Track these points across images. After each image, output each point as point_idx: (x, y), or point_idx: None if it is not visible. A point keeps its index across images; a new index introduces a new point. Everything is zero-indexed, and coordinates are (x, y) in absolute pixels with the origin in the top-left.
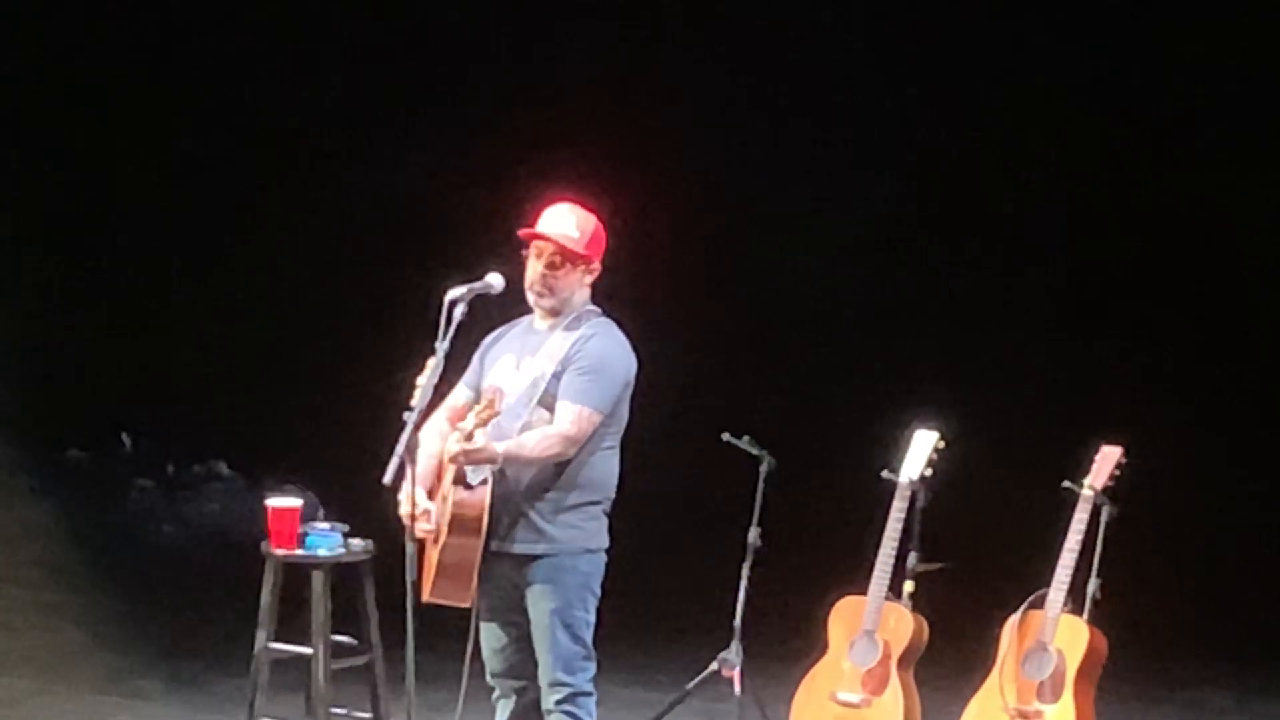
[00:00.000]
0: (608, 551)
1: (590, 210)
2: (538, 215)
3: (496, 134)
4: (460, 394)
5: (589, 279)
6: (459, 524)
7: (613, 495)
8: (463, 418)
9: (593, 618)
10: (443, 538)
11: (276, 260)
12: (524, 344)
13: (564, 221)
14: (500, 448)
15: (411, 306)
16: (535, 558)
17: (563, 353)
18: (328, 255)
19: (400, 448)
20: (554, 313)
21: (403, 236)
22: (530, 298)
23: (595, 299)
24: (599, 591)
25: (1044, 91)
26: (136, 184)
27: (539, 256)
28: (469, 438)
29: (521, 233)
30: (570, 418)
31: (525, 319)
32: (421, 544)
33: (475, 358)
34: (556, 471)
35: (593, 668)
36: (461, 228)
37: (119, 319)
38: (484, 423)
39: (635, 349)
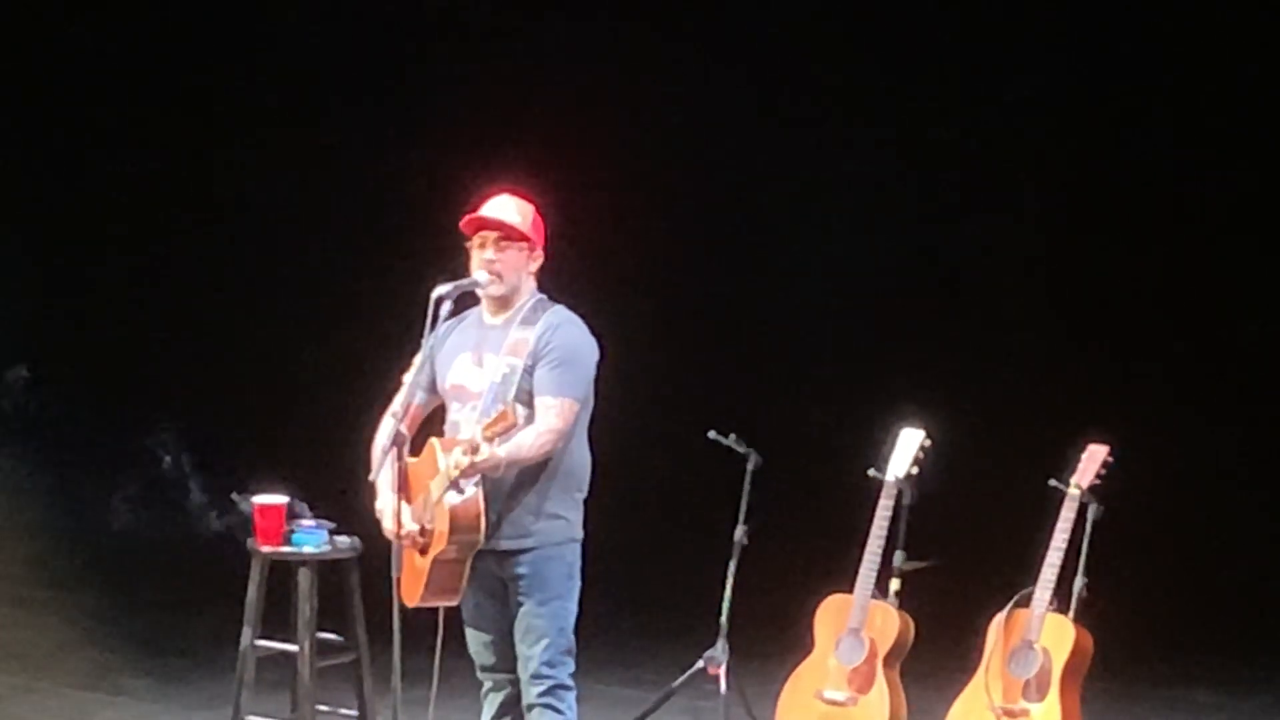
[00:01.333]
0: (589, 545)
1: (529, 199)
2: (478, 206)
3: (471, 129)
4: (413, 394)
5: (534, 266)
6: (457, 529)
7: (589, 482)
8: (416, 419)
9: (576, 608)
10: (441, 544)
11: (254, 256)
12: (480, 339)
13: (504, 207)
14: (503, 454)
15: (397, 302)
16: (522, 550)
17: (530, 346)
18: (308, 251)
19: (385, 443)
20: (504, 302)
21: (385, 233)
22: (480, 291)
23: (581, 292)
24: (580, 581)
25: (1035, 88)
26: (123, 180)
27: (483, 246)
28: (475, 450)
29: (464, 221)
30: (556, 411)
31: (471, 314)
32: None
33: (421, 358)
34: (540, 466)
35: (572, 662)
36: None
37: (104, 317)
38: (495, 437)
39: (596, 334)
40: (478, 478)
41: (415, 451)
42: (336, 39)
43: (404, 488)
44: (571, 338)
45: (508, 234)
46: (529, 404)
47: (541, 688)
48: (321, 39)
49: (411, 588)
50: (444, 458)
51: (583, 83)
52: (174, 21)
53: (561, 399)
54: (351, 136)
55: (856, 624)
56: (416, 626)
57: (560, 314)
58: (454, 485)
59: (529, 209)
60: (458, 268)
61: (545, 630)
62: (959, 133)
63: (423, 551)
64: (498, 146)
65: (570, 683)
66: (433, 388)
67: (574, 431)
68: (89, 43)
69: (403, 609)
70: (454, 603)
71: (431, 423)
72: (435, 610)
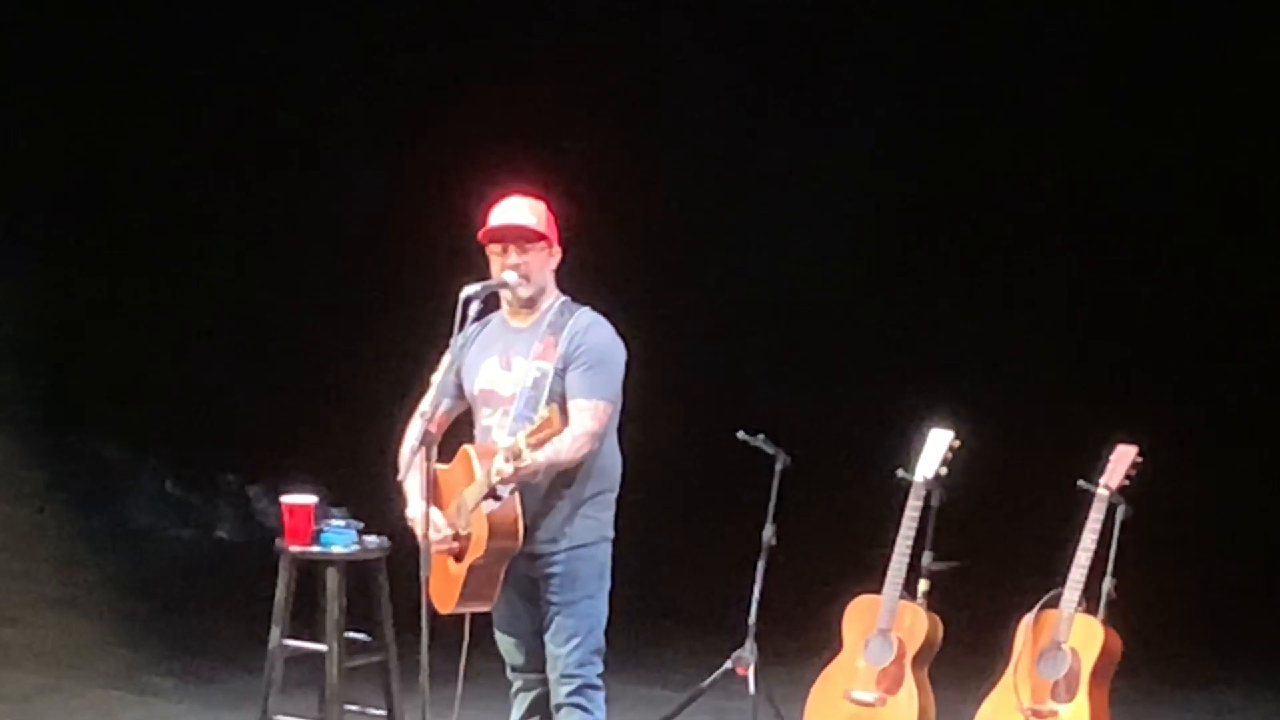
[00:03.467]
0: (618, 545)
1: (537, 197)
2: (488, 213)
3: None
4: (441, 397)
5: (554, 263)
6: (496, 534)
7: (619, 481)
8: (443, 423)
9: (606, 608)
10: (479, 550)
11: (285, 257)
12: (507, 343)
13: (517, 210)
14: (543, 459)
15: (423, 302)
16: (554, 551)
17: (560, 350)
18: (339, 251)
19: (414, 445)
20: (530, 304)
21: (413, 233)
22: (504, 294)
23: (602, 293)
24: (610, 581)
25: (1056, 85)
26: (145, 181)
27: (505, 252)
28: (518, 456)
29: (481, 234)
30: (591, 414)
31: (493, 319)
32: (435, 558)
33: (447, 364)
34: (573, 467)
35: (601, 662)
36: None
37: (130, 317)
38: (540, 444)
39: (622, 335)
40: (514, 484)
41: (444, 457)
42: (350, 39)
43: (435, 492)
44: (601, 339)
45: (528, 237)
46: (562, 407)
47: (570, 687)
48: (335, 39)
49: (445, 595)
50: (481, 466)
51: (602, 82)
52: (179, 26)
53: (595, 401)
54: (371, 135)
55: (885, 624)
56: (444, 626)
57: (588, 315)
58: (491, 492)
59: (540, 207)
60: (482, 266)
61: (575, 630)
62: (987, 132)
63: (457, 558)
64: (516, 146)
65: (599, 682)
66: (460, 393)
67: (607, 433)
68: (89, 50)
69: (431, 608)
70: (488, 609)
71: (459, 426)
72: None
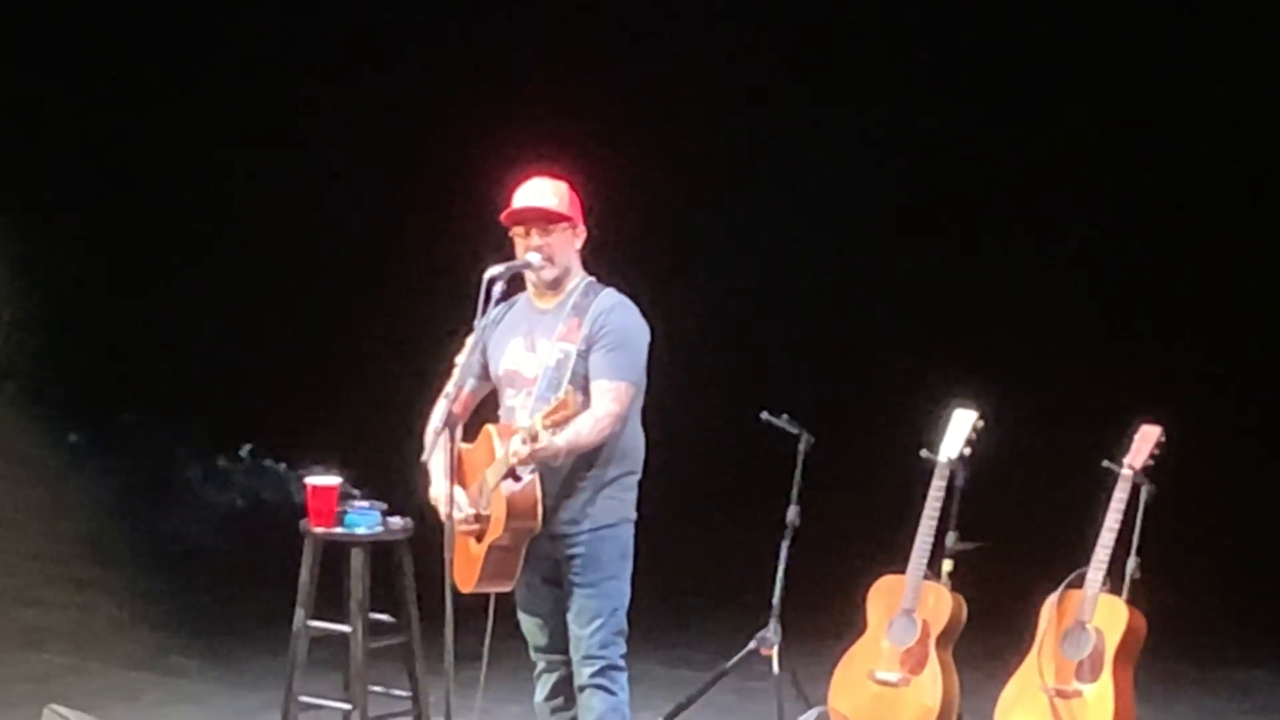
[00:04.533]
0: (642, 525)
1: (560, 178)
2: (511, 196)
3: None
4: (465, 377)
5: (578, 244)
6: (515, 515)
7: (643, 463)
8: (468, 404)
9: (629, 589)
10: (498, 531)
11: (310, 236)
12: (532, 324)
13: (540, 192)
14: (562, 442)
15: (447, 283)
16: (577, 532)
17: (583, 331)
18: (362, 231)
19: (438, 427)
20: (556, 284)
21: (438, 213)
22: (529, 275)
23: (625, 274)
24: (633, 562)
25: (1079, 64)
26: (168, 158)
27: (528, 234)
28: (535, 438)
29: (504, 216)
30: (613, 395)
31: (519, 300)
32: (457, 538)
33: (471, 345)
34: (595, 448)
35: (625, 643)
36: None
37: (154, 300)
38: (556, 425)
39: (647, 316)
40: (534, 465)
41: (469, 437)
42: (374, 13)
43: (458, 472)
44: (625, 321)
45: (550, 219)
46: (584, 389)
47: (594, 668)
48: (359, 13)
49: (467, 574)
50: (501, 445)
51: (629, 63)
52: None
53: (618, 383)
54: (397, 113)
55: (909, 605)
56: (468, 607)
57: (612, 297)
58: (511, 473)
59: (563, 187)
60: (508, 247)
61: (598, 611)
62: (1015, 109)
63: (478, 538)
64: (541, 124)
65: (622, 663)
66: (485, 374)
67: (630, 414)
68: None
69: (456, 591)
70: (509, 589)
71: (485, 408)
72: (487, 593)
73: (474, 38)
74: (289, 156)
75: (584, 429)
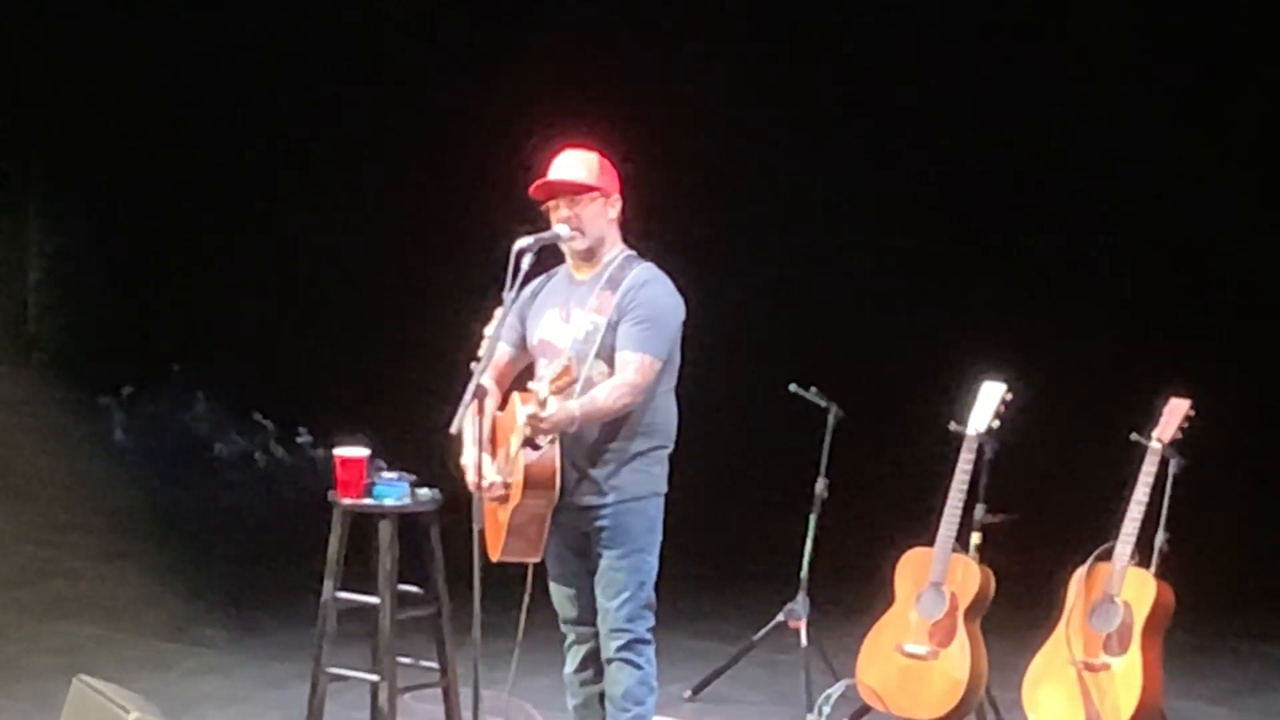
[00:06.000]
0: (670, 498)
1: (592, 149)
2: (545, 169)
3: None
4: (501, 351)
5: (613, 213)
6: (532, 485)
7: (674, 438)
8: (504, 375)
9: (657, 563)
10: (516, 499)
11: (339, 208)
12: (569, 296)
13: (568, 165)
14: (576, 408)
15: (477, 255)
16: (604, 504)
17: (615, 303)
18: (392, 203)
19: (467, 397)
20: (590, 256)
21: (467, 186)
22: (564, 248)
23: (656, 248)
24: (662, 535)
25: (1105, 45)
26: (192, 131)
27: (557, 207)
28: (543, 405)
29: (533, 189)
30: (635, 367)
31: (560, 271)
32: (487, 507)
33: (512, 314)
34: (621, 421)
35: (652, 616)
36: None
37: (182, 272)
38: (560, 390)
39: (680, 289)
40: (554, 434)
41: (504, 407)
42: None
43: (490, 440)
44: (656, 295)
45: (578, 190)
46: (611, 361)
47: (620, 641)
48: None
49: (495, 540)
50: (521, 411)
51: (660, 39)
52: None
53: (642, 355)
54: (429, 87)
55: (937, 578)
56: (497, 579)
57: (647, 271)
58: (530, 441)
59: (594, 158)
60: (538, 218)
61: (625, 584)
62: (1042, 88)
63: (504, 501)
64: (576, 98)
65: (649, 637)
66: (523, 344)
67: (655, 388)
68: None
69: (484, 562)
70: (536, 559)
71: (524, 379)
72: (522, 564)
73: (515, 10)
74: (318, 131)
75: (600, 397)
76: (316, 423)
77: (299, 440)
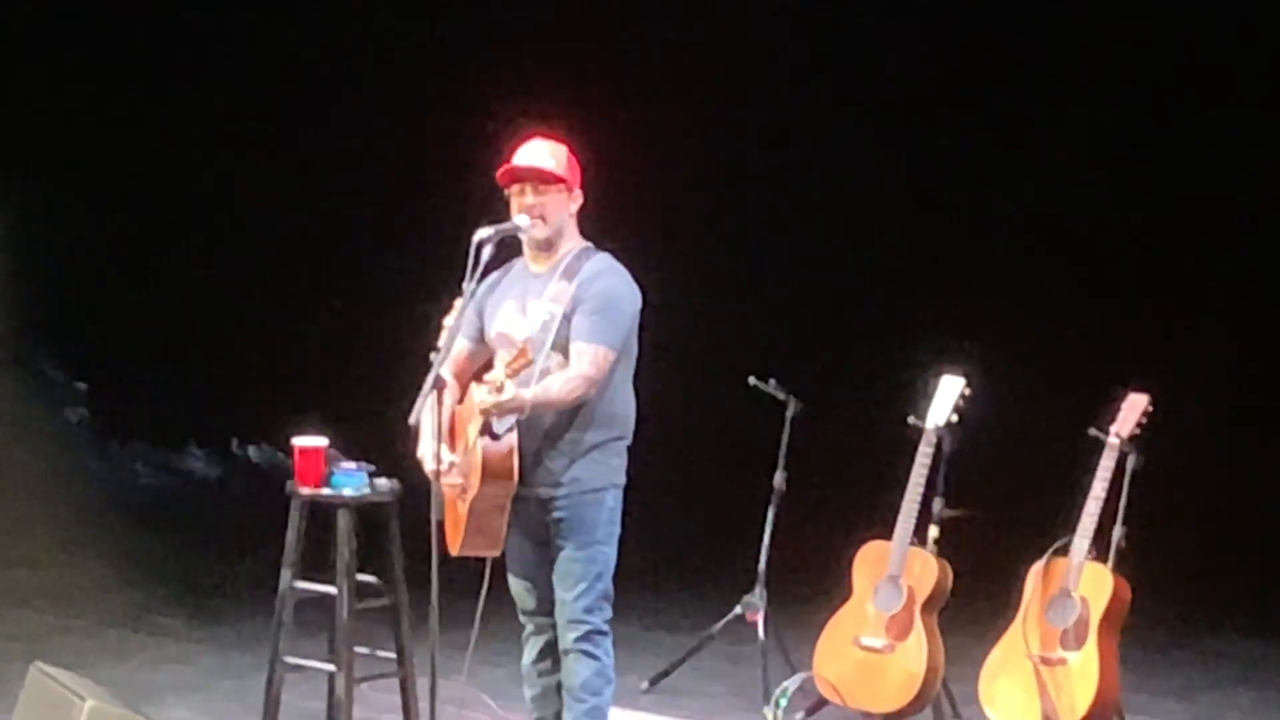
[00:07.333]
0: (629, 490)
1: (560, 141)
2: (511, 155)
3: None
4: (460, 345)
5: (574, 208)
6: (490, 474)
7: (632, 429)
8: (463, 370)
9: (615, 554)
10: (474, 489)
11: (296, 199)
12: (525, 288)
13: (538, 153)
14: (529, 395)
15: (436, 245)
16: (562, 495)
17: (570, 294)
18: (350, 194)
19: (426, 388)
20: (548, 246)
21: (426, 177)
22: (523, 237)
23: (614, 240)
24: (621, 528)
25: (1072, 35)
26: (157, 124)
27: (521, 192)
28: (499, 389)
29: (500, 174)
30: (590, 358)
31: (516, 264)
32: (447, 499)
33: (468, 308)
34: (577, 412)
35: (610, 608)
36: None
37: (135, 256)
38: (515, 373)
39: (639, 281)
40: (511, 422)
41: (463, 400)
42: None
43: (449, 432)
44: (612, 286)
45: (545, 179)
46: (567, 351)
47: (578, 633)
48: None
49: (454, 535)
50: (477, 398)
51: (621, 27)
52: None
53: (596, 346)
54: (389, 79)
55: (895, 571)
56: (455, 569)
57: (603, 262)
58: (488, 430)
59: (562, 150)
60: (499, 211)
61: (583, 575)
62: (1002, 78)
63: (462, 493)
64: (533, 90)
65: (606, 628)
66: (481, 337)
67: (610, 379)
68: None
69: (442, 553)
70: (496, 553)
71: (483, 374)
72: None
73: (468, 7)
74: (272, 122)
75: (553, 386)
76: (274, 414)
77: (260, 430)
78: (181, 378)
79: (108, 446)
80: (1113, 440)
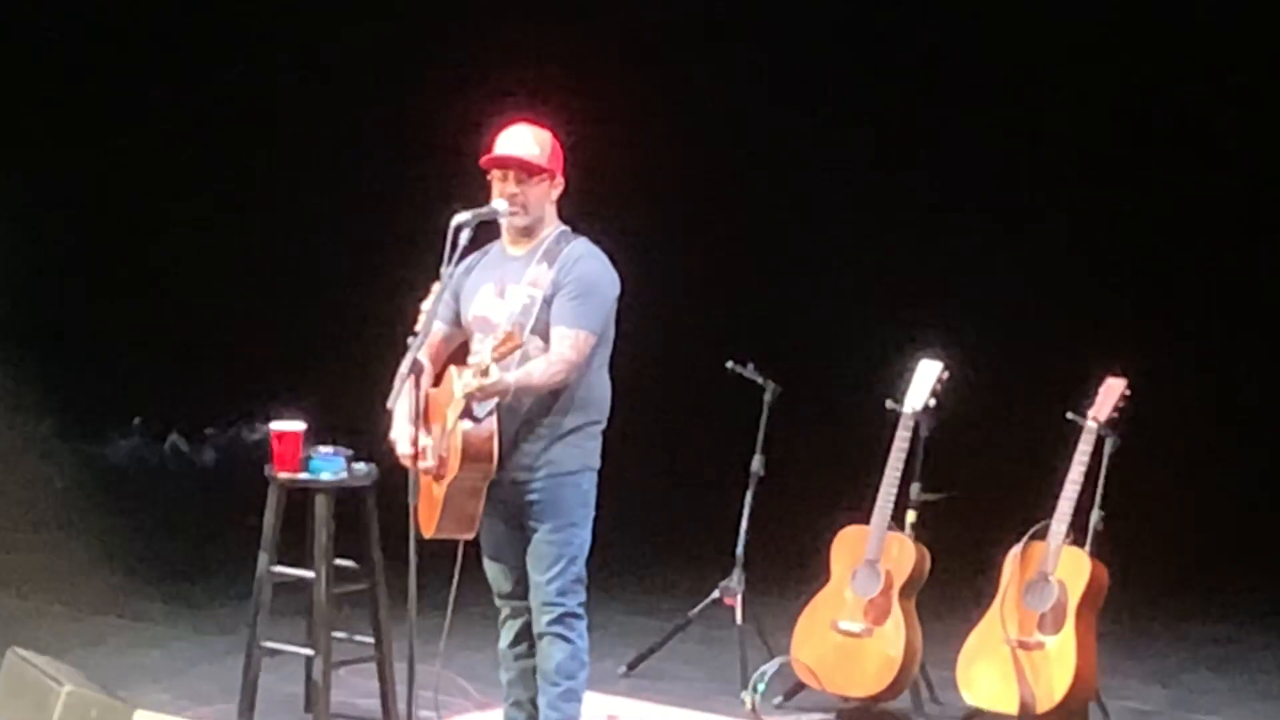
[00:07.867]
0: (605, 474)
1: (544, 127)
2: (494, 140)
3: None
4: (436, 329)
5: (555, 194)
6: (470, 457)
7: (608, 413)
8: (439, 353)
9: (589, 538)
10: (453, 472)
11: (278, 181)
12: (503, 272)
13: (522, 140)
14: (511, 379)
15: (413, 230)
16: (536, 478)
17: (550, 278)
18: (331, 178)
19: (403, 371)
20: (527, 233)
21: (407, 161)
22: (502, 221)
23: (593, 223)
24: (595, 511)
25: (1049, 18)
26: (137, 109)
27: (504, 179)
28: (485, 373)
29: (483, 160)
30: (570, 342)
31: (493, 247)
32: (421, 481)
33: (445, 291)
34: (556, 396)
35: (584, 591)
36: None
37: (117, 237)
38: (503, 357)
39: (617, 266)
40: (492, 406)
41: (439, 383)
42: None
43: (424, 416)
44: (591, 271)
45: (529, 169)
46: (546, 335)
47: (551, 615)
48: None
49: (429, 517)
50: (458, 383)
51: (600, 9)
52: None
53: (577, 330)
54: (368, 62)
55: (873, 555)
56: (433, 554)
57: (582, 246)
58: (468, 413)
59: (546, 137)
60: (479, 195)
61: (556, 557)
62: (982, 59)
63: (439, 479)
64: (515, 74)
65: (581, 611)
66: (457, 321)
67: (589, 363)
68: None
69: (419, 537)
70: (470, 536)
71: (458, 356)
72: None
73: None
74: (260, 110)
75: (535, 371)
76: (254, 398)
77: (239, 413)
78: (158, 362)
79: (84, 430)
80: (1090, 424)
